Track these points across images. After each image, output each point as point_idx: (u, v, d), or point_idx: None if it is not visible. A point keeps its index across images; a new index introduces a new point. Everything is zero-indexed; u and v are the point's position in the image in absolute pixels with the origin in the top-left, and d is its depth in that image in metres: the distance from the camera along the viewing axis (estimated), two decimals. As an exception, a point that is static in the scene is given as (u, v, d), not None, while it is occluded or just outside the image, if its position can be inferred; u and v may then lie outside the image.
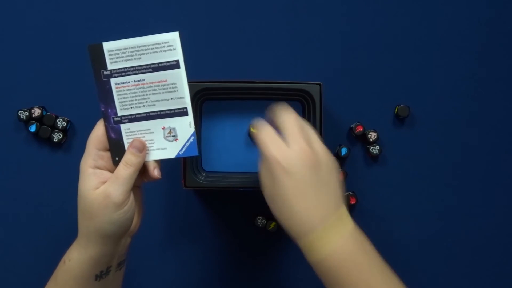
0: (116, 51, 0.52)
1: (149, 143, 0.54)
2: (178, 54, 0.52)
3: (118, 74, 0.53)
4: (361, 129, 0.69)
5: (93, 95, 0.69)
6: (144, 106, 0.53)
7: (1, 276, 0.69)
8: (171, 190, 0.70)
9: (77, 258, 0.52)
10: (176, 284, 0.70)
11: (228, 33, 0.71)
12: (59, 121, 0.68)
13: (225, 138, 0.65)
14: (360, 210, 0.70)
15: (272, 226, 0.69)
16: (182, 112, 0.53)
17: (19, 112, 0.68)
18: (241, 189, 0.63)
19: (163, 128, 0.54)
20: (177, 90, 0.53)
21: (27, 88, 0.70)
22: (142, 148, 0.53)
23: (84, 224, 0.52)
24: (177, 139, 0.54)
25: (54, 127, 0.69)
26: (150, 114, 0.54)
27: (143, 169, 0.54)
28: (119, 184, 0.51)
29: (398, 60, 0.71)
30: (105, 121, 0.54)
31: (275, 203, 0.52)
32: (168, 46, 0.52)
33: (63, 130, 0.68)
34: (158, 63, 0.52)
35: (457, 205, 0.71)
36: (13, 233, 0.69)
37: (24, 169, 0.69)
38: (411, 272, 0.71)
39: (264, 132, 0.53)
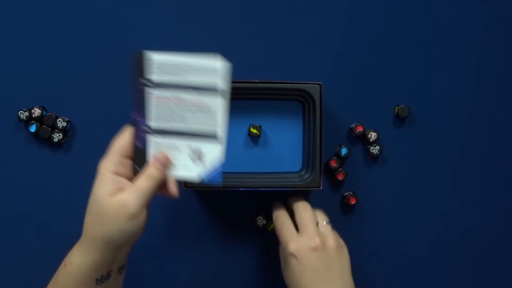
0: (161, 63, 0.51)
1: (174, 160, 0.53)
2: (223, 82, 0.51)
3: (157, 86, 0.52)
4: (361, 129, 0.69)
5: (93, 95, 0.69)
6: (177, 122, 0.52)
7: (1, 277, 0.69)
8: (171, 190, 0.70)
9: (78, 261, 0.52)
10: (176, 284, 0.70)
11: (228, 33, 0.71)
12: (59, 121, 0.68)
13: (225, 138, 0.65)
14: (360, 210, 0.70)
15: (272, 226, 0.69)
16: (214, 139, 0.52)
17: (19, 112, 0.68)
18: (241, 189, 0.63)
19: (191, 149, 0.53)
20: (214, 117, 0.51)
21: (27, 88, 0.70)
22: (167, 164, 0.53)
23: (92, 227, 0.51)
24: (203, 163, 0.53)
25: (54, 127, 0.68)
26: (181, 132, 0.52)
27: (162, 184, 0.53)
28: (138, 195, 0.50)
29: (398, 60, 0.71)
30: (133, 129, 0.53)
31: (287, 282, 0.59)
32: (215, 72, 0.50)
33: (63, 130, 0.68)
34: (202, 86, 0.51)
35: (457, 205, 0.71)
36: (13, 233, 0.69)
37: (24, 169, 0.69)
38: (412, 272, 0.71)
39: (281, 219, 0.61)
